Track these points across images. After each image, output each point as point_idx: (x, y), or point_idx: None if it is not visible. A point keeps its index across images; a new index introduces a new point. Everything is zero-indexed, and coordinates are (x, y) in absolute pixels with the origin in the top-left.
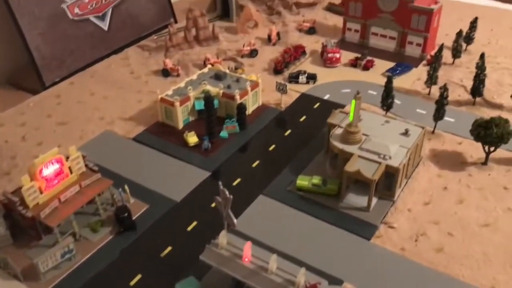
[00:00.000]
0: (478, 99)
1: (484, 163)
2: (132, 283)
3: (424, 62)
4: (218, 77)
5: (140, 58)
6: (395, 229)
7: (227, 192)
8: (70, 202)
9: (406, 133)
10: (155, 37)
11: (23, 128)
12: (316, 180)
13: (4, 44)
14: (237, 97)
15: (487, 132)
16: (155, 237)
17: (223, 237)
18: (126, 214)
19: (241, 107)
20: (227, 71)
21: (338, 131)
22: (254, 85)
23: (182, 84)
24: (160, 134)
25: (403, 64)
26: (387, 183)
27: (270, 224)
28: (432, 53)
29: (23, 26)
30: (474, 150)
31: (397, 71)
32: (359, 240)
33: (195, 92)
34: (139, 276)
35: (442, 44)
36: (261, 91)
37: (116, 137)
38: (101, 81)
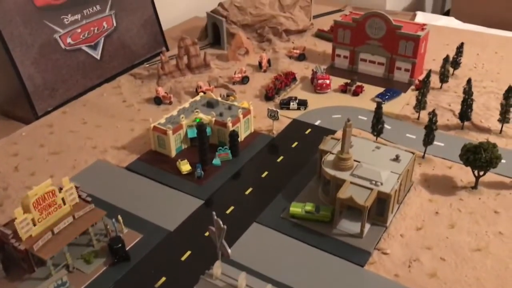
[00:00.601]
0: (466, 123)
1: (474, 187)
2: None
3: (413, 87)
4: (210, 104)
5: (132, 86)
6: (388, 255)
7: (221, 222)
8: (63, 233)
9: (396, 158)
10: (147, 65)
11: (15, 158)
12: (309, 207)
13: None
14: (229, 124)
15: (476, 157)
16: (149, 267)
17: (217, 268)
18: (119, 245)
19: (233, 135)
20: (219, 98)
21: (330, 157)
22: (246, 112)
23: (174, 112)
24: (153, 162)
25: (392, 89)
26: (379, 209)
27: (264, 252)
28: (420, 78)
29: (16, 56)
30: (464, 174)
31: (386, 97)
32: (353, 267)
33: (188, 120)
34: None
35: (430, 70)
36: (253, 117)
37: (109, 166)
38: (93, 110)
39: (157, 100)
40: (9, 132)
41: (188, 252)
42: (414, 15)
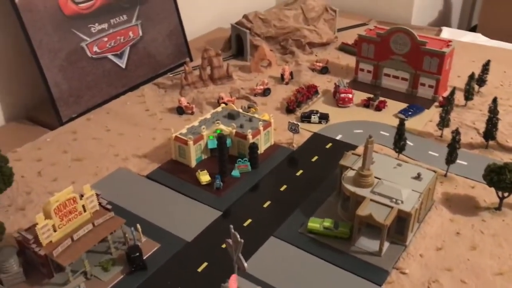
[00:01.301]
0: (491, 142)
1: (498, 208)
2: None
3: (436, 103)
4: (231, 116)
5: (156, 95)
6: (406, 275)
7: (238, 236)
8: (82, 240)
9: (418, 177)
10: (171, 75)
11: (39, 163)
12: (327, 223)
13: (24, 80)
14: (250, 136)
15: (500, 178)
16: (165, 277)
17: (233, 282)
18: (137, 254)
19: (253, 147)
20: (240, 110)
21: (350, 173)
22: (267, 124)
23: (196, 123)
24: (173, 171)
25: (415, 105)
26: (399, 227)
27: (281, 267)
28: (444, 94)
29: (43, 63)
30: (487, 194)
31: (410, 113)
32: (370, 286)
33: (209, 131)
34: None
35: (454, 88)
36: (273, 130)
37: (130, 174)
38: (116, 118)
39: (180, 110)
40: (34, 137)
41: (205, 264)
42: (440, 31)
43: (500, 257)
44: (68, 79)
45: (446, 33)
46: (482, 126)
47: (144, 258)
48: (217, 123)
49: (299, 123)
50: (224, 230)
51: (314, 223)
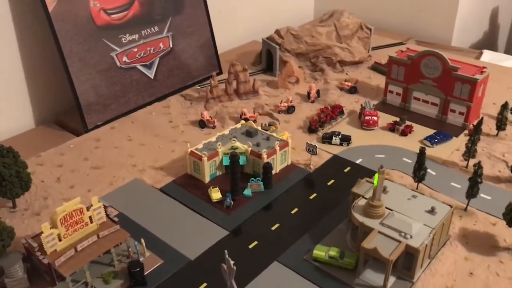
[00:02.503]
0: None
1: None
2: None
3: (466, 132)
4: (249, 133)
5: (181, 107)
6: None
7: (231, 262)
8: (86, 252)
9: (432, 211)
10: (198, 87)
11: (60, 169)
12: (333, 252)
13: (55, 86)
14: (264, 156)
15: None
16: None
17: None
18: (138, 269)
19: (267, 167)
20: (259, 128)
21: (361, 202)
22: (284, 144)
23: (213, 139)
24: (187, 186)
25: (442, 133)
26: (407, 263)
27: None
28: (475, 123)
29: (72, 71)
30: (509, 233)
31: (436, 140)
32: None
33: (224, 147)
34: None
35: (482, 118)
36: (293, 149)
37: (145, 186)
38: (140, 128)
39: (201, 124)
40: (60, 142)
41: (204, 284)
42: (480, 54)
43: None
44: (96, 88)
45: (487, 56)
46: (510, 159)
47: (146, 273)
48: (233, 140)
49: (316, 145)
50: (229, 250)
51: (320, 251)
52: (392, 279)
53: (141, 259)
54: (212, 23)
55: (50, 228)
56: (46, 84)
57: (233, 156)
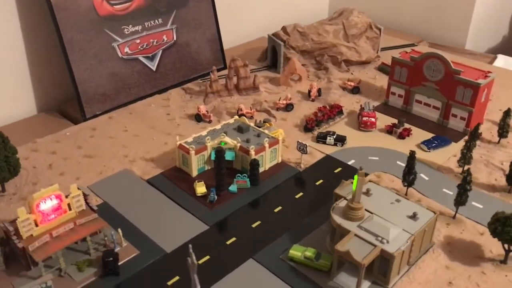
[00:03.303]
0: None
1: (503, 261)
2: None
3: (466, 137)
4: (240, 129)
5: (181, 100)
6: None
7: (194, 258)
8: (61, 238)
9: (414, 216)
10: (201, 80)
11: (52, 156)
12: (309, 252)
13: (57, 75)
14: (252, 152)
15: (505, 229)
16: (135, 286)
17: None
18: (111, 259)
19: (254, 163)
20: (252, 124)
21: (342, 203)
22: (274, 142)
23: (204, 133)
24: (174, 179)
25: (441, 137)
26: (382, 268)
27: None
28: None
29: (72, 60)
30: (496, 244)
31: (434, 144)
32: None
33: (213, 142)
34: None
35: (478, 124)
36: (286, 147)
37: (133, 177)
38: (137, 119)
39: (198, 117)
40: (56, 130)
41: (177, 278)
42: (494, 58)
43: None
44: (96, 78)
45: (501, 61)
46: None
47: (121, 263)
48: (222, 135)
49: (306, 144)
50: (207, 245)
51: (296, 251)
52: (367, 284)
53: (117, 249)
54: (222, 18)
55: (27, 213)
56: (48, 73)
57: (219, 151)
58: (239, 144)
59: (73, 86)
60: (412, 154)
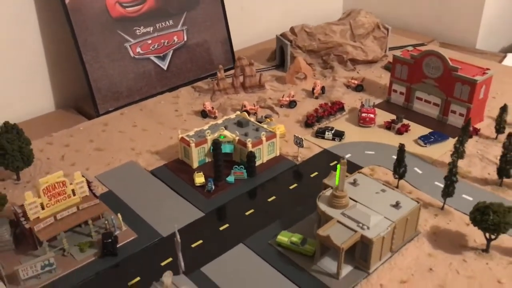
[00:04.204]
0: (509, 181)
1: (485, 250)
2: None
3: None
4: (240, 124)
5: (189, 98)
6: None
7: (178, 237)
8: (64, 221)
9: (396, 205)
10: (210, 79)
11: (65, 148)
12: (295, 238)
13: (74, 73)
14: (249, 145)
15: (483, 218)
16: (130, 266)
17: (166, 277)
18: (110, 240)
19: (251, 156)
20: (252, 119)
21: (329, 192)
22: (271, 135)
23: (205, 127)
24: (176, 170)
25: (437, 133)
26: (364, 253)
27: (238, 274)
28: (478, 125)
29: (86, 59)
30: (480, 234)
31: (431, 139)
32: None
33: (213, 135)
34: None
35: (470, 118)
36: (285, 141)
37: (138, 168)
38: (147, 115)
39: (203, 114)
40: (71, 125)
41: (170, 259)
42: (504, 57)
43: None
44: (109, 76)
45: (510, 60)
46: None
47: (119, 245)
48: (222, 129)
49: (303, 137)
50: (200, 231)
51: (284, 237)
52: (349, 268)
53: (117, 232)
54: (235, 20)
55: (34, 197)
56: (66, 72)
57: (216, 144)
58: (237, 138)
59: (87, 84)
60: (401, 147)
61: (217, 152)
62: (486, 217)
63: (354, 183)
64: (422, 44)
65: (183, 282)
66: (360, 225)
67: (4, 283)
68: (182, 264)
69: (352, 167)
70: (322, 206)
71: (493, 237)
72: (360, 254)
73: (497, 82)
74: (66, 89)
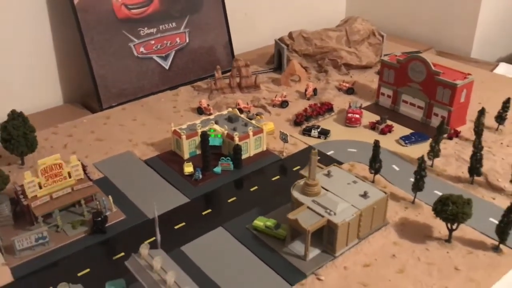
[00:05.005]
0: (480, 179)
1: (448, 240)
2: (79, 274)
3: (445, 135)
4: (230, 119)
5: (188, 96)
6: (322, 281)
7: (156, 213)
8: (59, 199)
9: (364, 195)
10: (210, 79)
11: (68, 138)
12: (270, 222)
13: (81, 70)
14: (236, 138)
15: (443, 208)
16: (116, 243)
17: (143, 249)
18: (99, 219)
19: (237, 148)
20: (242, 116)
21: (302, 182)
22: (258, 131)
23: (198, 121)
24: (167, 161)
25: (418, 133)
26: (330, 238)
27: (215, 254)
28: (460, 128)
29: (92, 57)
30: (446, 226)
31: (412, 139)
32: (283, 283)
33: (203, 129)
34: (87, 270)
35: (443, 120)
36: (274, 138)
37: (133, 157)
38: (147, 111)
39: (199, 110)
40: (76, 117)
41: (153, 238)
42: (496, 66)
43: (423, 285)
44: (113, 73)
45: (502, 69)
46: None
47: (109, 224)
48: (211, 123)
49: (288, 133)
50: (183, 215)
51: (259, 221)
52: (317, 252)
53: (107, 213)
54: (238, 25)
55: (33, 177)
56: (74, 68)
57: (203, 135)
58: (226, 132)
59: (92, 80)
60: (376, 143)
61: (205, 143)
62: (445, 207)
63: (328, 175)
64: (418, 52)
65: (158, 254)
66: (328, 211)
67: (2, 253)
68: (158, 237)
69: (333, 162)
70: (295, 194)
71: (454, 227)
72: (328, 238)
73: (486, 89)
74: (73, 84)
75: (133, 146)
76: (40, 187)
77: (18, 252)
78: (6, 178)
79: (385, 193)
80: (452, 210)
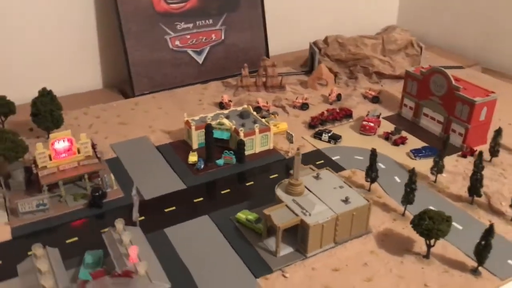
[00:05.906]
0: (482, 200)
1: (426, 256)
2: (68, 241)
3: (459, 153)
4: (241, 115)
5: (216, 91)
6: (286, 279)
7: (135, 191)
8: (65, 172)
9: (346, 200)
10: (238, 77)
11: (96, 119)
12: (251, 216)
13: (121, 58)
14: (241, 134)
15: (420, 222)
16: (109, 218)
17: (118, 223)
18: (97, 194)
19: (240, 143)
20: (254, 113)
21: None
22: (264, 129)
23: (210, 114)
24: (177, 149)
25: (430, 148)
26: (303, 238)
27: (193, 239)
28: (479, 147)
29: (128, 46)
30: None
31: (422, 153)
32: (248, 274)
33: (213, 122)
34: (75, 238)
35: (448, 135)
36: (284, 138)
37: (147, 142)
38: (174, 101)
39: (221, 105)
40: (107, 101)
41: (143, 217)
42: None
43: None
44: (147, 63)
45: None
46: (488, 184)
47: (106, 200)
48: (221, 116)
49: (293, 134)
50: (176, 199)
51: (243, 214)
52: (289, 249)
53: (108, 190)
54: (278, 26)
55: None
56: (113, 56)
57: (208, 127)
58: (233, 127)
59: (127, 68)
60: (373, 152)
61: (209, 135)
62: (422, 221)
63: (317, 177)
64: (460, 67)
65: (135, 231)
66: (304, 211)
67: (7, 213)
68: (135, 215)
69: (334, 167)
70: (279, 192)
71: (432, 243)
72: (301, 238)
73: None
74: (113, 71)
75: (151, 132)
76: (50, 159)
77: (21, 215)
78: (25, 148)
79: (368, 201)
80: (427, 225)
